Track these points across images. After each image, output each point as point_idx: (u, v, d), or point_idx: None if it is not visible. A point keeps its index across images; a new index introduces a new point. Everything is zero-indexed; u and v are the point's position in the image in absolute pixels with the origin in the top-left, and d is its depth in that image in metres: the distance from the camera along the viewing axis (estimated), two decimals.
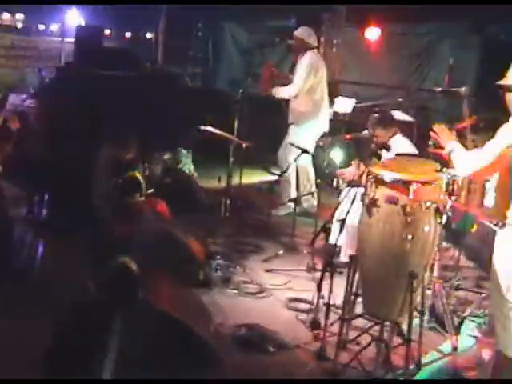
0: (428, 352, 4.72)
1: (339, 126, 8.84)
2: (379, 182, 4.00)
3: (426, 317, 4.97)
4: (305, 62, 7.53)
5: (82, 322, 3.70)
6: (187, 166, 8.90)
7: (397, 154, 4.91)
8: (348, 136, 6.42)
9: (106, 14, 14.12)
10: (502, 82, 4.23)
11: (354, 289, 4.34)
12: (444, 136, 4.33)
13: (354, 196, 4.18)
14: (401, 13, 10.56)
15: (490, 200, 4.94)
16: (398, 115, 7.24)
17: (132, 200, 5.22)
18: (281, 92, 7.70)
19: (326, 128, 7.78)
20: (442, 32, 12.45)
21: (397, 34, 12.88)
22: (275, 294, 5.50)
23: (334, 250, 4.90)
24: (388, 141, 5.91)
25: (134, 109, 7.85)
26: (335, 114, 8.83)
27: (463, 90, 5.02)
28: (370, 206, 3.99)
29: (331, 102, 8.61)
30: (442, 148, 4.24)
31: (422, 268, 4.08)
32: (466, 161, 4.14)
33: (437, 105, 9.98)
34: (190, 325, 3.89)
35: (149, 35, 17.00)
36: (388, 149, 5.03)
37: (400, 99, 7.65)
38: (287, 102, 7.85)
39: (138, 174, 5.41)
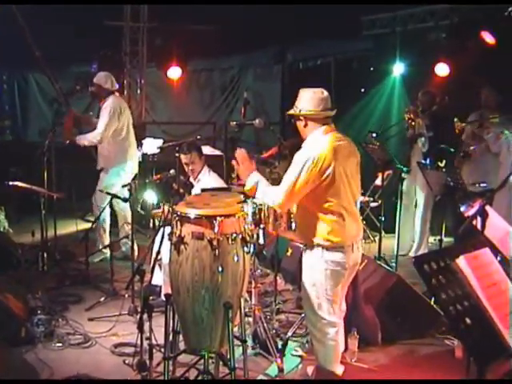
0: (256, 377, 4.81)
1: (150, 166, 8.90)
2: (184, 219, 4.05)
3: (249, 344, 5.10)
4: (107, 107, 7.51)
5: None
6: (1, 222, 8.56)
7: (202, 190, 5.03)
8: (156, 177, 6.47)
9: None
10: (291, 112, 4.49)
11: (174, 326, 4.35)
12: (245, 166, 4.49)
13: (163, 235, 4.19)
14: (202, 50, 10.82)
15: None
16: (207, 150, 7.40)
17: None
18: (85, 139, 7.62)
19: (135, 170, 7.79)
20: (244, 64, 12.93)
21: (200, 71, 13.23)
22: (100, 342, 5.42)
23: (149, 291, 4.90)
24: (200, 171, 6.08)
25: None
26: (144, 155, 8.86)
27: (257, 122, 5.20)
28: (178, 243, 4.01)
29: (139, 144, 8.65)
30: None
31: (237, 297, 4.16)
32: (273, 193, 4.32)
33: (246, 136, 10.27)
34: None
35: None
36: (189, 187, 5.13)
37: (199, 137, 7.81)
38: (96, 148, 7.78)
39: None
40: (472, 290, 2.92)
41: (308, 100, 4.37)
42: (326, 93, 4.41)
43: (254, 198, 4.47)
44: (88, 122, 7.92)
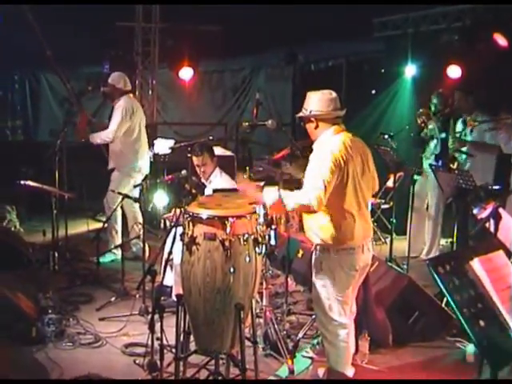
0: (266, 378, 4.80)
1: (161, 167, 8.91)
2: (196, 219, 4.04)
3: (260, 345, 5.09)
4: (120, 106, 7.54)
5: None
6: (12, 222, 8.59)
7: (214, 190, 5.02)
8: (168, 177, 6.47)
9: None
10: (300, 114, 4.49)
11: (185, 327, 4.35)
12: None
13: (175, 236, 4.19)
14: (214, 50, 10.83)
15: None
16: (218, 151, 7.40)
17: None
18: (98, 137, 7.63)
19: (146, 170, 7.80)
20: (255, 65, 12.93)
21: (212, 72, 13.25)
22: (111, 342, 5.43)
23: (161, 292, 4.90)
24: (212, 172, 6.08)
25: None
26: (155, 155, 8.87)
27: (269, 122, 5.19)
28: (190, 244, 4.01)
29: (151, 144, 8.66)
30: None
31: (248, 298, 4.15)
32: (307, 194, 4.29)
33: (258, 137, 10.25)
34: None
35: None
36: (201, 187, 5.13)
37: (211, 137, 7.82)
38: (107, 148, 7.80)
39: None
40: (486, 292, 2.91)
41: (317, 101, 4.38)
42: (334, 93, 4.42)
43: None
44: (101, 126, 7.90)
